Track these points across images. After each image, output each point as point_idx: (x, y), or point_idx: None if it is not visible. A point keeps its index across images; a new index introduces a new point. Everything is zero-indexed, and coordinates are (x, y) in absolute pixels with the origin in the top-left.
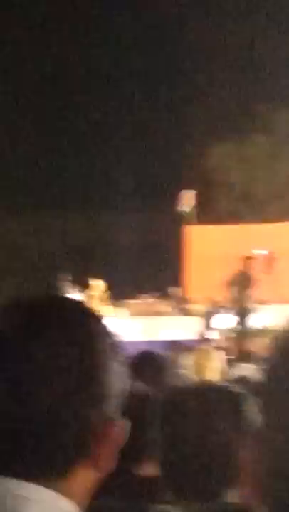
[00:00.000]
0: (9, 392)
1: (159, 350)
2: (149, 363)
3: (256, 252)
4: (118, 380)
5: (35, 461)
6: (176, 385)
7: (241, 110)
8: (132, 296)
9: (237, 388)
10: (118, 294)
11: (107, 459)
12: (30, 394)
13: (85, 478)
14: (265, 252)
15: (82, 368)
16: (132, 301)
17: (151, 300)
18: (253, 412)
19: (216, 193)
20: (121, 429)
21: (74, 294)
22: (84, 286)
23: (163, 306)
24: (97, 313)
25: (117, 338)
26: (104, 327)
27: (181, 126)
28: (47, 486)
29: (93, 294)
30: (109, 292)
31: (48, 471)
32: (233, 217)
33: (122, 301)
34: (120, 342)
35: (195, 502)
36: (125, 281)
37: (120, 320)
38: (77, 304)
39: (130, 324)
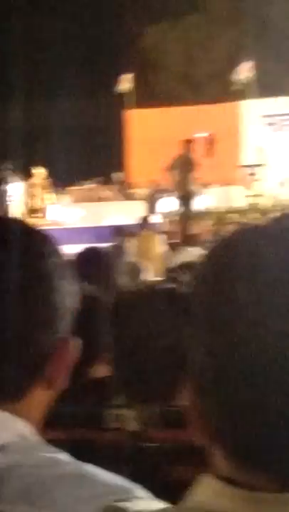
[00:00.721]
0: None
1: (103, 236)
2: (93, 261)
3: (197, 134)
4: (68, 300)
5: None
6: (125, 287)
7: None
8: (74, 182)
9: (180, 288)
10: (61, 180)
11: (61, 377)
12: None
13: (40, 398)
14: (205, 135)
15: (31, 289)
16: (74, 188)
17: (93, 186)
18: None
19: (154, 75)
20: (73, 347)
21: (16, 183)
22: (26, 174)
23: (106, 191)
24: (43, 232)
25: (64, 257)
26: (51, 246)
27: (115, 9)
28: (2, 409)
29: (35, 182)
30: (51, 179)
31: (3, 393)
32: (172, 99)
33: (64, 188)
34: (67, 260)
35: (148, 405)
36: (67, 168)
37: (63, 207)
38: (22, 225)
39: (73, 211)
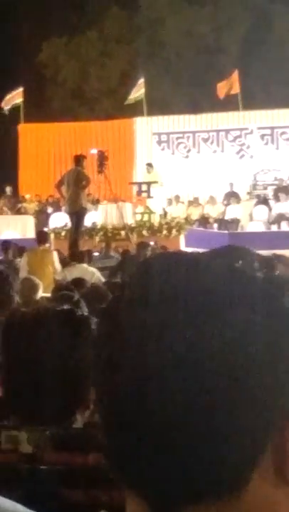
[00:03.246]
0: None
1: None
2: None
3: (89, 150)
4: None
5: None
6: (16, 308)
7: (73, 6)
8: None
9: (78, 311)
10: None
11: None
12: None
13: None
14: (96, 151)
15: None
16: None
17: None
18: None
19: (48, 90)
20: None
21: None
22: None
23: None
24: None
25: None
26: None
27: (13, 21)
28: None
29: None
30: None
31: None
32: (64, 114)
33: None
34: None
35: (40, 426)
36: None
37: None
38: None
39: None
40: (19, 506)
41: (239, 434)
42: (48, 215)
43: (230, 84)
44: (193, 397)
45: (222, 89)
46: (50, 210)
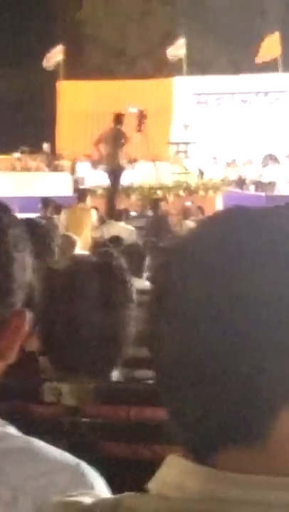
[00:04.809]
0: None
1: (29, 207)
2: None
3: (128, 109)
4: (24, 272)
5: None
6: (54, 260)
7: None
8: (2, 151)
9: (114, 260)
10: None
11: (12, 349)
12: None
13: None
14: (136, 110)
15: None
16: (1, 157)
17: (20, 156)
18: (131, 283)
19: (88, 48)
20: (25, 319)
21: None
22: None
23: (34, 161)
24: (3, 202)
25: (23, 228)
26: (9, 217)
27: None
28: None
29: None
30: None
31: None
32: (104, 72)
33: None
34: (26, 232)
35: (82, 380)
36: None
37: None
38: None
39: (0, 180)
40: (67, 455)
41: (277, 374)
42: (84, 172)
43: (270, 48)
44: (242, 339)
45: (263, 53)
46: (87, 167)
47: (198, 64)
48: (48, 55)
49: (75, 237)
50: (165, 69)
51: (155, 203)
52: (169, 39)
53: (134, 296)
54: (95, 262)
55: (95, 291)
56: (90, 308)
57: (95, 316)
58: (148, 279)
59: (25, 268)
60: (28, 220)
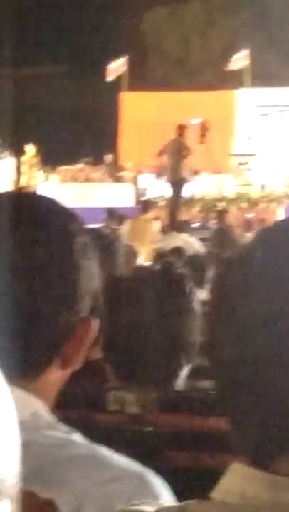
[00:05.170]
0: None
1: (91, 217)
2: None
3: (190, 120)
4: (90, 280)
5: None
6: (118, 269)
7: None
8: (64, 162)
9: (176, 269)
10: (51, 159)
11: (78, 357)
12: (2, 293)
13: (55, 377)
14: (198, 121)
15: (56, 267)
16: (63, 167)
17: (83, 166)
18: (194, 292)
19: (150, 59)
20: (91, 327)
21: (6, 159)
22: (18, 152)
23: (95, 172)
24: (72, 211)
25: (90, 237)
26: (79, 225)
27: None
28: (18, 386)
29: (24, 160)
30: (39, 158)
31: (20, 371)
32: (167, 84)
33: (54, 167)
34: (92, 241)
35: (146, 389)
36: (58, 147)
37: (51, 186)
38: (51, 202)
39: (61, 191)
40: (132, 462)
41: None
42: (146, 184)
43: None
44: None
45: None
46: (149, 179)
47: (261, 76)
48: (111, 67)
49: (136, 247)
50: (228, 80)
51: (220, 215)
52: (232, 50)
53: (197, 304)
54: (158, 271)
55: (157, 300)
56: (152, 317)
57: (158, 325)
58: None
59: (92, 276)
60: (92, 230)
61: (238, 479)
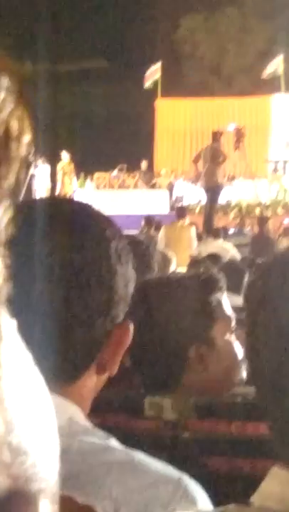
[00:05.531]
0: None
1: (127, 224)
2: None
3: (225, 126)
4: (128, 286)
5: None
6: (153, 275)
7: None
8: (99, 169)
9: (211, 274)
10: (86, 166)
11: (114, 362)
12: (39, 299)
13: (91, 382)
14: (234, 127)
15: (93, 272)
16: (98, 174)
17: (118, 173)
18: (226, 299)
19: (185, 65)
20: (127, 331)
21: (41, 166)
22: (54, 159)
23: (130, 179)
24: (108, 216)
25: (126, 241)
26: (115, 230)
27: None
28: (55, 392)
29: (59, 167)
30: (73, 165)
31: (57, 377)
32: (201, 90)
33: (90, 173)
34: (128, 246)
35: (183, 395)
36: (93, 154)
37: (86, 193)
38: (88, 208)
39: (96, 197)
40: (169, 468)
41: None
42: (182, 190)
43: None
44: None
45: None
46: (185, 185)
47: None
48: (147, 74)
49: (170, 254)
50: (263, 86)
51: (261, 221)
52: (267, 56)
53: (230, 309)
54: (192, 277)
55: (189, 306)
56: (185, 324)
57: (191, 332)
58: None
59: (128, 281)
60: (128, 236)
61: (277, 484)
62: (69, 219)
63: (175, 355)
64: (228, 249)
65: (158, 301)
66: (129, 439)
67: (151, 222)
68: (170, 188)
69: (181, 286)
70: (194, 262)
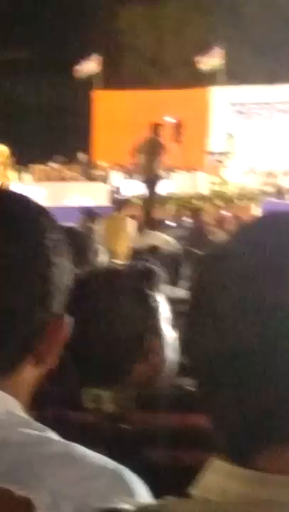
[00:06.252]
0: None
1: (65, 216)
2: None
3: (165, 118)
4: (64, 277)
5: None
6: (91, 267)
7: None
8: (38, 161)
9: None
10: (24, 158)
11: (51, 355)
12: None
13: (29, 375)
14: (173, 119)
15: (29, 264)
16: (37, 167)
17: (57, 165)
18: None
19: (124, 57)
20: (65, 325)
21: None
22: None
23: (69, 171)
24: (43, 207)
25: (63, 234)
26: (51, 222)
27: None
28: None
29: None
30: (12, 157)
31: None
32: (140, 82)
33: (27, 166)
34: (64, 237)
35: (123, 386)
36: (31, 146)
37: (24, 186)
38: (23, 198)
39: (35, 190)
40: (107, 459)
41: None
42: (121, 182)
43: None
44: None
45: None
46: (124, 177)
47: (235, 74)
48: (83, 65)
49: (112, 246)
50: (202, 79)
51: (196, 213)
52: (206, 49)
53: (165, 303)
54: (129, 268)
55: (128, 298)
56: (123, 315)
57: (129, 323)
58: (185, 287)
59: (64, 272)
60: (65, 228)
61: (218, 476)
62: (4, 210)
63: (117, 348)
64: (167, 241)
65: (97, 294)
66: (68, 432)
67: (90, 214)
68: (109, 180)
69: (120, 278)
70: (134, 254)
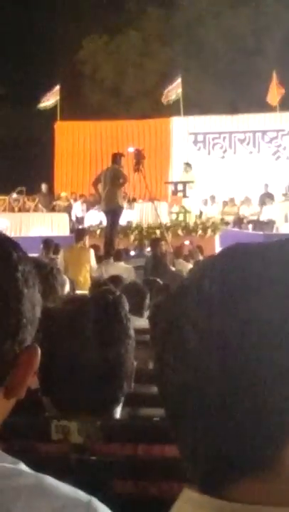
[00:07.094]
0: None
1: (28, 247)
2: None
3: (126, 148)
4: (34, 308)
5: None
6: (56, 297)
7: (113, 5)
8: (0, 192)
9: (111, 296)
10: None
11: (22, 385)
12: None
13: (0, 408)
14: (134, 149)
15: (0, 297)
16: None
17: (19, 196)
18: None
19: (85, 88)
20: (35, 355)
21: None
22: None
23: (32, 202)
24: (12, 239)
25: (32, 265)
26: (20, 253)
27: (52, 21)
28: None
29: None
30: None
31: None
32: (102, 113)
33: None
34: (34, 269)
35: (89, 418)
36: None
37: None
38: None
39: None
40: (79, 491)
41: (281, 404)
42: (82, 213)
43: (276, 89)
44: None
45: (272, 96)
46: (85, 207)
47: (195, 104)
48: (46, 96)
49: (73, 276)
50: (163, 109)
51: (154, 242)
52: (167, 80)
53: (132, 332)
54: (92, 300)
55: (92, 329)
56: (88, 346)
57: (94, 354)
58: (148, 317)
59: (35, 304)
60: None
61: (188, 506)
62: None
63: (87, 375)
64: (129, 271)
65: (64, 325)
66: (37, 464)
67: (50, 244)
68: (70, 210)
69: (86, 309)
70: (96, 284)
